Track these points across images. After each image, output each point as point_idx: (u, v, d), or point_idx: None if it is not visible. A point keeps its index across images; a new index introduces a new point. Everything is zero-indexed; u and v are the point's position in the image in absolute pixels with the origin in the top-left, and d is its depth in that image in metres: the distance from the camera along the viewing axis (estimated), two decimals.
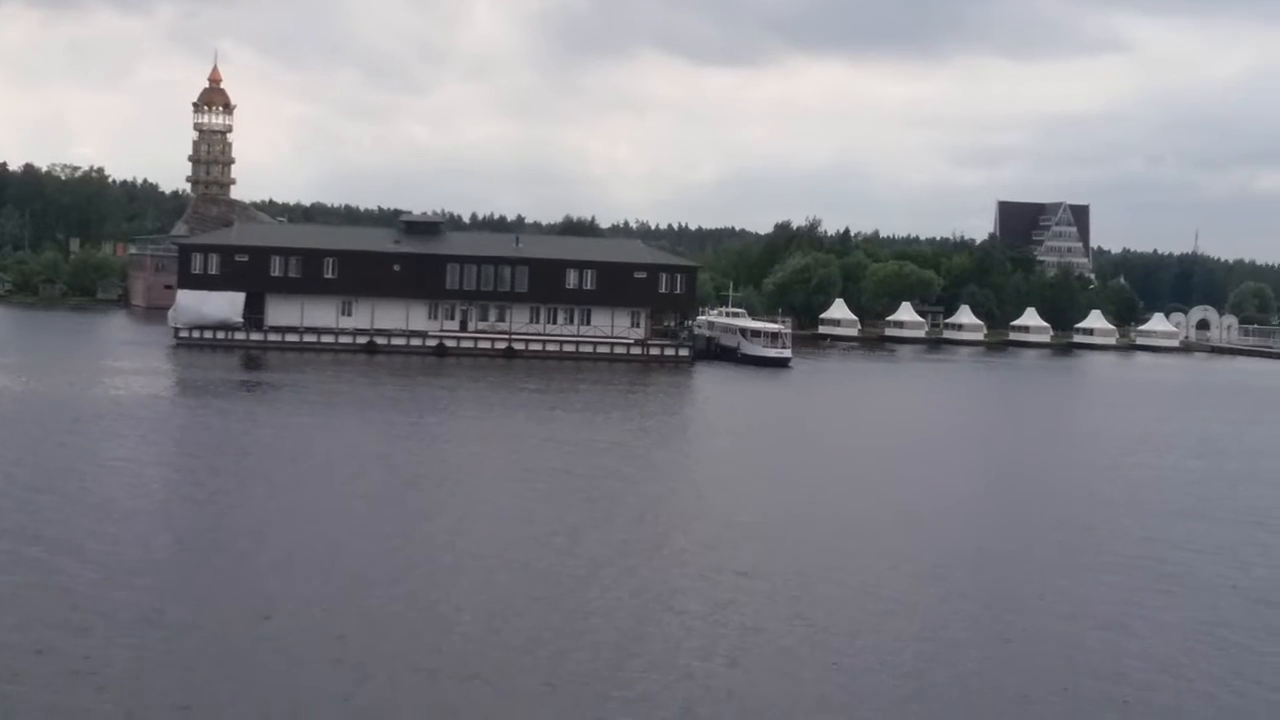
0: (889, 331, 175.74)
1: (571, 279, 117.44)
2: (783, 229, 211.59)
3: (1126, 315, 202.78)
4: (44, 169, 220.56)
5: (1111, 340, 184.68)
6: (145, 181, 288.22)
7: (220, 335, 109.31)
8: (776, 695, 26.53)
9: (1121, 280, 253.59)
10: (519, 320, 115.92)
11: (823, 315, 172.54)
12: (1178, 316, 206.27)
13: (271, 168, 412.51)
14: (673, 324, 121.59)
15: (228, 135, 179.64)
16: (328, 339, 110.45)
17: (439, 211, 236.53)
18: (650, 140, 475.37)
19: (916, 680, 27.93)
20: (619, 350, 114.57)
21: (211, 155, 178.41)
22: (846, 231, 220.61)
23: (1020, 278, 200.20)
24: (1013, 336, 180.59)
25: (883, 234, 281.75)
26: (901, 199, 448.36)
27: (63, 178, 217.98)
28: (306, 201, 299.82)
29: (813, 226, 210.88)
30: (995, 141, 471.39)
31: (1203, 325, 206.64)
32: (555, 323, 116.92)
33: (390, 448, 57.69)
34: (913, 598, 34.80)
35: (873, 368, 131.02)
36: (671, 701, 25.92)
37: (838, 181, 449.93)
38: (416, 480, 49.64)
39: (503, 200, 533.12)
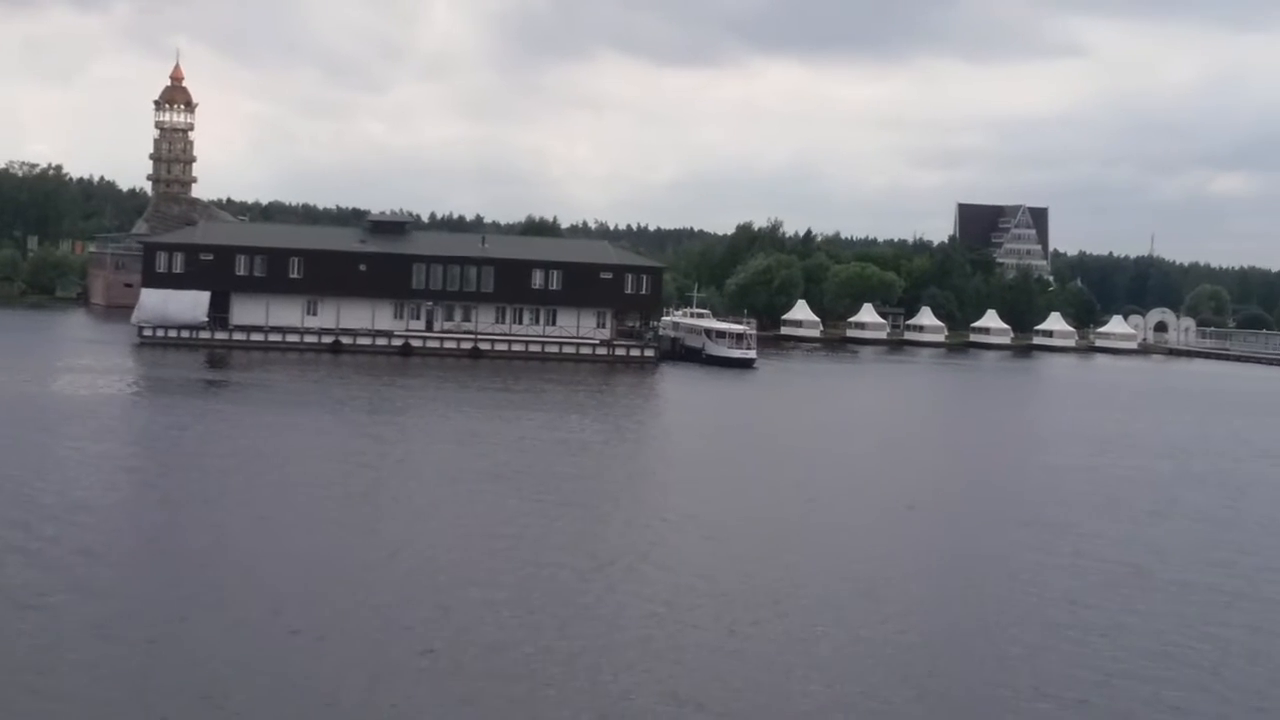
0: (851, 333, 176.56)
1: (537, 279, 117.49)
2: (744, 230, 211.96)
3: (1085, 317, 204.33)
4: (0, 166, 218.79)
5: (1071, 342, 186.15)
6: (102, 179, 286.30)
7: (185, 334, 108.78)
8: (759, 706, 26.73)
9: (1079, 283, 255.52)
10: (485, 320, 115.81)
11: (785, 316, 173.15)
12: (1136, 319, 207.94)
13: (228, 166, 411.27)
14: (637, 324, 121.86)
15: (189, 134, 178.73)
16: (293, 338, 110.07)
17: (398, 210, 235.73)
18: (609, 141, 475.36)
19: (894, 683, 28.17)
20: (584, 351, 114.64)
21: (173, 153, 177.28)
22: (809, 233, 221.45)
23: (980, 280, 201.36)
24: (973, 338, 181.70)
25: (842, 235, 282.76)
26: (860, 200, 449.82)
27: (20, 175, 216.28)
28: (264, 200, 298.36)
29: (774, 228, 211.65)
30: (953, 144, 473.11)
31: (1160, 328, 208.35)
32: (521, 323, 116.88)
33: (353, 448, 57.44)
34: (888, 597, 35.09)
35: (836, 369, 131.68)
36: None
37: (797, 183, 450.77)
38: (378, 481, 49.41)
39: (461, 200, 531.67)
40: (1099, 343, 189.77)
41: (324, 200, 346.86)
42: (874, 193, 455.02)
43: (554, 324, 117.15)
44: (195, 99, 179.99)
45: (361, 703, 25.18)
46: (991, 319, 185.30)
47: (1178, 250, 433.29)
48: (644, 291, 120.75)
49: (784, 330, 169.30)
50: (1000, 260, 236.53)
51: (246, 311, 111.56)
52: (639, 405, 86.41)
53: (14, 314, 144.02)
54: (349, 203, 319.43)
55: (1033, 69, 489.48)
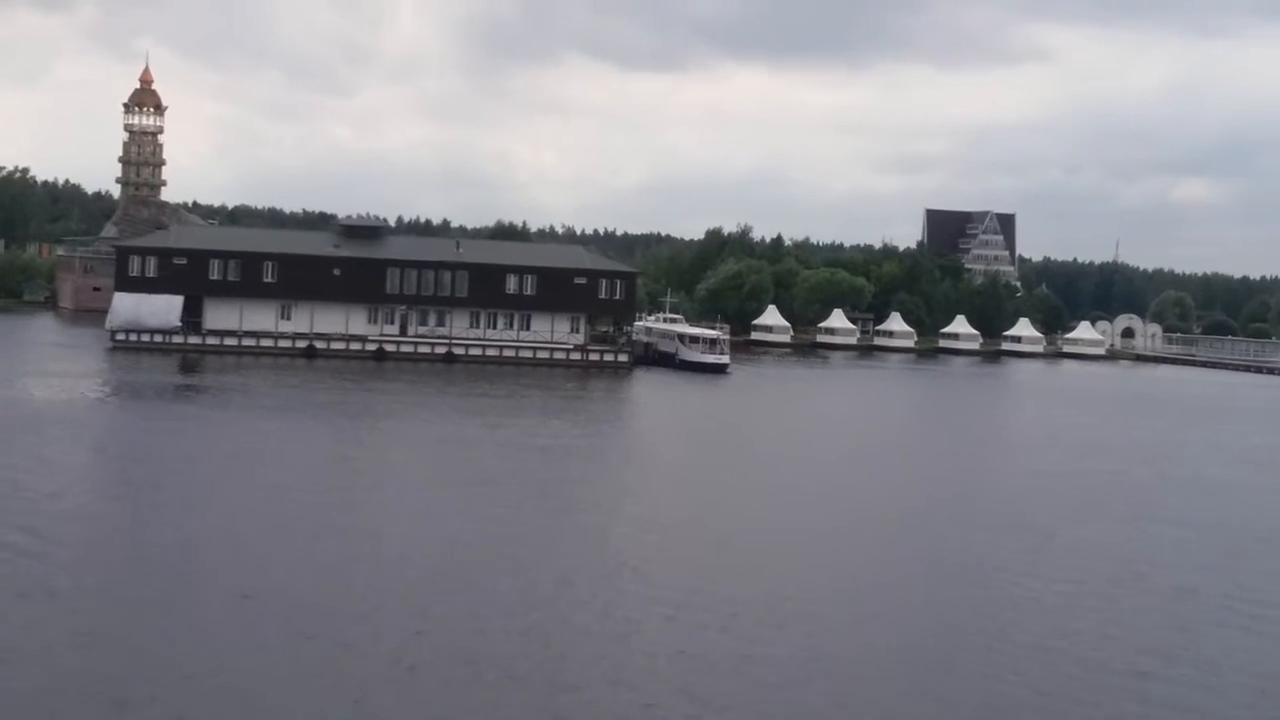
0: (821, 338, 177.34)
1: (511, 284, 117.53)
2: (714, 235, 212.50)
3: (1053, 323, 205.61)
4: None
5: (1039, 348, 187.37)
6: (68, 182, 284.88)
7: (157, 339, 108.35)
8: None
9: (1044, 288, 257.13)
10: (459, 325, 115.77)
11: (755, 322, 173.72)
12: (1103, 325, 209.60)
13: (192, 169, 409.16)
14: (611, 330, 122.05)
15: (158, 136, 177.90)
16: (266, 343, 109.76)
17: (365, 214, 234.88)
18: (576, 145, 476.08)
19: (899, 690, 28.36)
20: (559, 355, 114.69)
21: (142, 156, 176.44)
22: (779, 238, 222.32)
23: (949, 285, 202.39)
24: (943, 344, 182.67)
25: (809, 240, 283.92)
26: (826, 206, 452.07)
27: None
28: (229, 203, 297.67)
29: (744, 233, 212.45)
30: (918, 149, 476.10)
31: (1128, 333, 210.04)
32: (495, 328, 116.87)
33: (336, 453, 57.26)
34: (883, 602, 35.31)
35: (808, 374, 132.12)
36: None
37: (763, 188, 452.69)
38: (361, 486, 49.34)
39: (427, 203, 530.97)
40: (1067, 348, 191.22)
41: (290, 204, 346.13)
42: (840, 198, 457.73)
43: (528, 329, 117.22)
44: (164, 102, 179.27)
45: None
46: (960, 325, 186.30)
47: (1141, 256, 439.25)
48: (618, 296, 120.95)
49: (754, 335, 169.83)
50: (968, 266, 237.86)
51: (220, 316, 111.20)
52: (617, 411, 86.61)
53: None
54: (316, 206, 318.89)
55: (998, 75, 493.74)
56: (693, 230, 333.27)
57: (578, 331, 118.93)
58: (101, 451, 55.20)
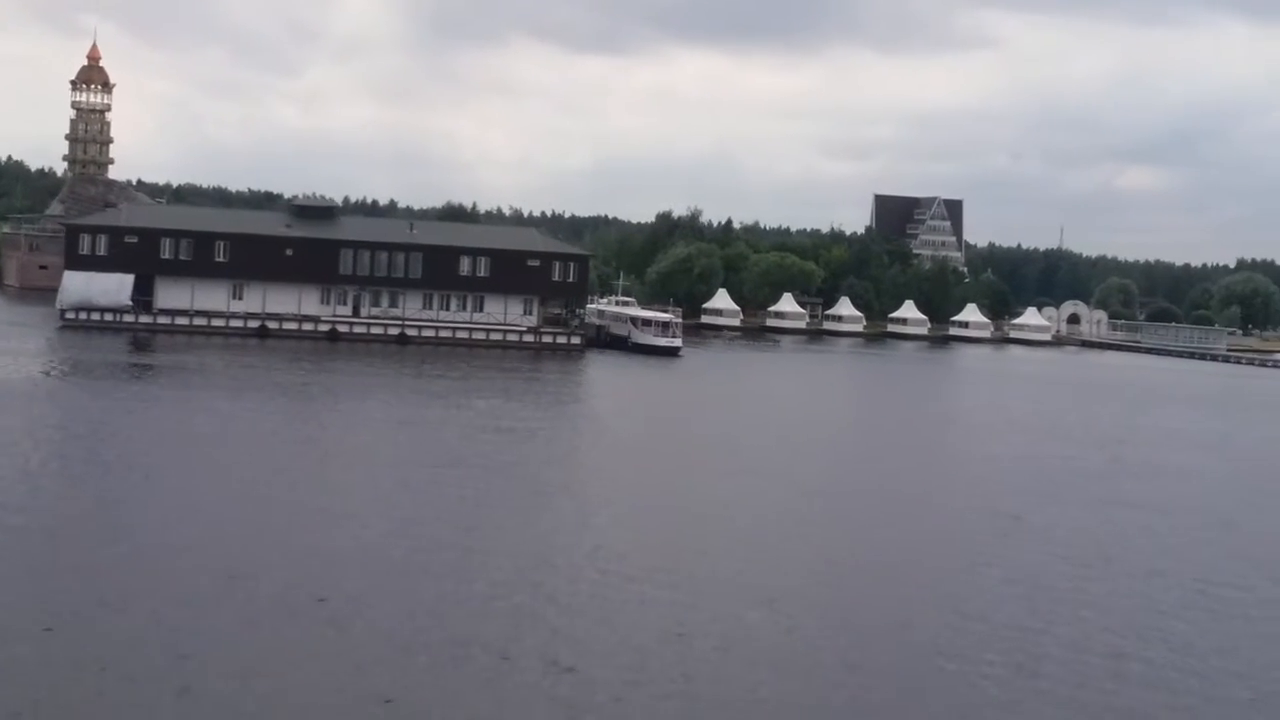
0: (770, 322, 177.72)
1: (465, 266, 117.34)
2: (665, 219, 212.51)
3: (1000, 309, 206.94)
4: None
5: (986, 333, 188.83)
6: (10, 159, 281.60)
7: (108, 318, 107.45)
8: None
9: (990, 274, 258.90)
10: (412, 306, 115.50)
11: (705, 305, 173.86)
12: (1050, 310, 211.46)
13: (135, 146, 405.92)
14: (562, 311, 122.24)
15: (106, 114, 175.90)
16: (218, 322, 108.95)
17: (311, 194, 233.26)
18: (523, 126, 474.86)
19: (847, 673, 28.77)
20: (511, 338, 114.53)
21: (89, 134, 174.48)
22: (728, 222, 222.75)
23: (898, 271, 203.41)
24: (891, 328, 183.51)
25: (751, 223, 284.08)
26: (773, 190, 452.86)
27: None
28: (173, 182, 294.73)
29: (694, 216, 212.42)
30: (865, 134, 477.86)
31: (1074, 320, 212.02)
32: (448, 309, 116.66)
33: (293, 434, 57.12)
34: (848, 585, 35.74)
35: (760, 358, 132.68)
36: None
37: (712, 171, 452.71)
38: (322, 467, 49.50)
39: (373, 183, 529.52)
40: (1014, 334, 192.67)
41: (235, 183, 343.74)
42: (787, 182, 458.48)
43: (481, 310, 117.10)
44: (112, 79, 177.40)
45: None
46: (909, 309, 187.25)
47: (1085, 243, 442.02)
48: (571, 279, 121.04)
49: (704, 319, 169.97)
50: (916, 252, 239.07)
51: (171, 295, 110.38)
52: (574, 393, 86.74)
53: None
54: (261, 185, 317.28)
55: (945, 61, 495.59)
56: (640, 213, 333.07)
57: (530, 314, 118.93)
58: (63, 430, 54.70)
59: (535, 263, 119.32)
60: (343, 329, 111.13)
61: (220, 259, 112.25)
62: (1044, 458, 63.94)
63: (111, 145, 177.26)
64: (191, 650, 26.49)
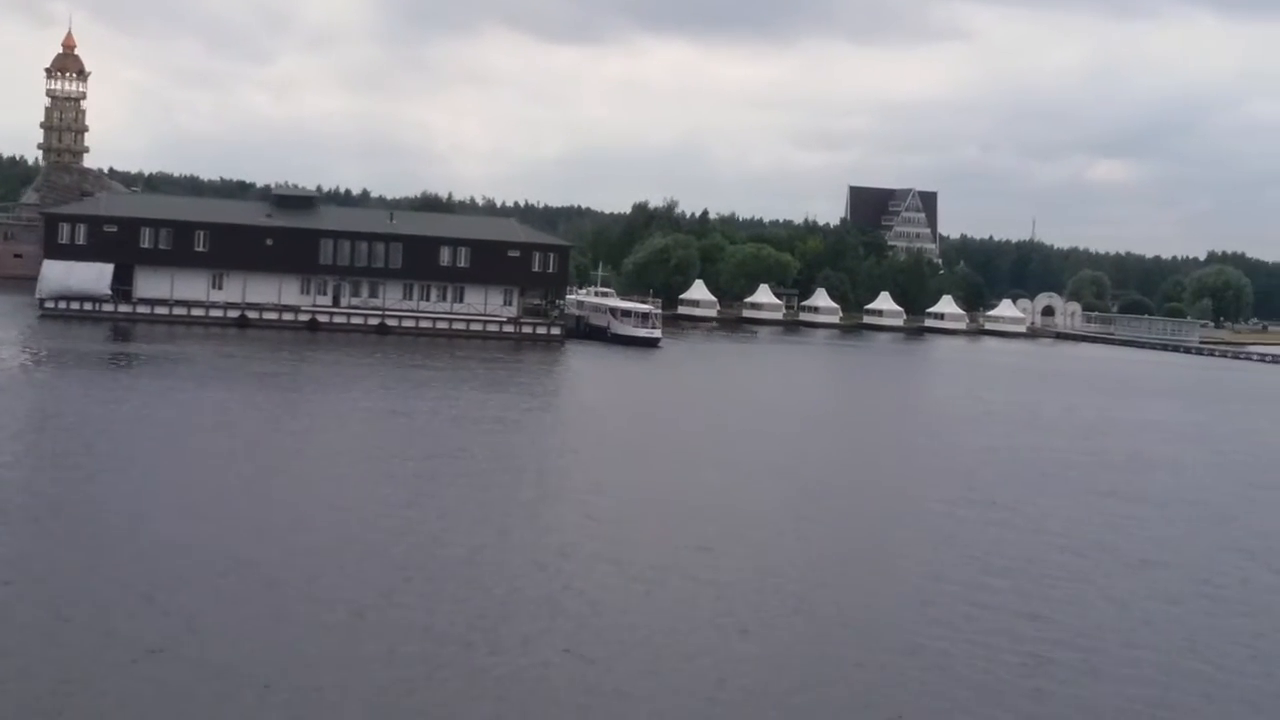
0: (747, 313, 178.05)
1: (445, 256, 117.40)
2: (641, 209, 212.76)
3: (975, 301, 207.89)
4: None
5: (962, 325, 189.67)
6: None
7: (88, 307, 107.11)
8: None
9: (963, 265, 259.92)
10: (392, 296, 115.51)
11: (682, 296, 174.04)
12: (1024, 302, 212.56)
13: (106, 134, 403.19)
14: (541, 302, 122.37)
15: (81, 102, 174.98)
16: (198, 312, 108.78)
17: (283, 183, 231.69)
18: (495, 116, 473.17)
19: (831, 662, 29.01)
20: (491, 328, 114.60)
21: (64, 122, 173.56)
22: (705, 213, 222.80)
23: (873, 262, 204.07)
24: (867, 320, 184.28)
25: (727, 215, 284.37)
26: (746, 180, 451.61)
27: None
28: (145, 170, 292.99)
29: (670, 207, 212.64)
30: (838, 125, 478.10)
31: (1048, 311, 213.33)
32: (428, 299, 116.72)
33: (280, 425, 57.02)
34: (845, 574, 36.01)
35: (738, 349, 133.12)
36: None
37: (684, 162, 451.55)
38: (314, 458, 49.34)
39: (345, 173, 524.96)
40: (989, 325, 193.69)
41: (207, 171, 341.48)
42: (759, 173, 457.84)
43: (461, 301, 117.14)
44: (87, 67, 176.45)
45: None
46: (885, 301, 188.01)
47: (1057, 235, 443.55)
48: (551, 270, 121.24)
49: (681, 310, 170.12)
50: (891, 243, 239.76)
51: (151, 284, 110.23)
52: (558, 384, 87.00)
53: None
54: (233, 174, 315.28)
55: (918, 53, 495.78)
56: (612, 204, 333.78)
57: (510, 304, 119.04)
58: (54, 418, 54.61)
59: (515, 253, 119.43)
60: (323, 319, 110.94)
61: (200, 248, 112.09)
62: (1029, 449, 64.28)
63: (87, 134, 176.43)
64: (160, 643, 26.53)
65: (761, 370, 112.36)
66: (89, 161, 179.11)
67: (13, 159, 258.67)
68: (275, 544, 34.87)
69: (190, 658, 25.49)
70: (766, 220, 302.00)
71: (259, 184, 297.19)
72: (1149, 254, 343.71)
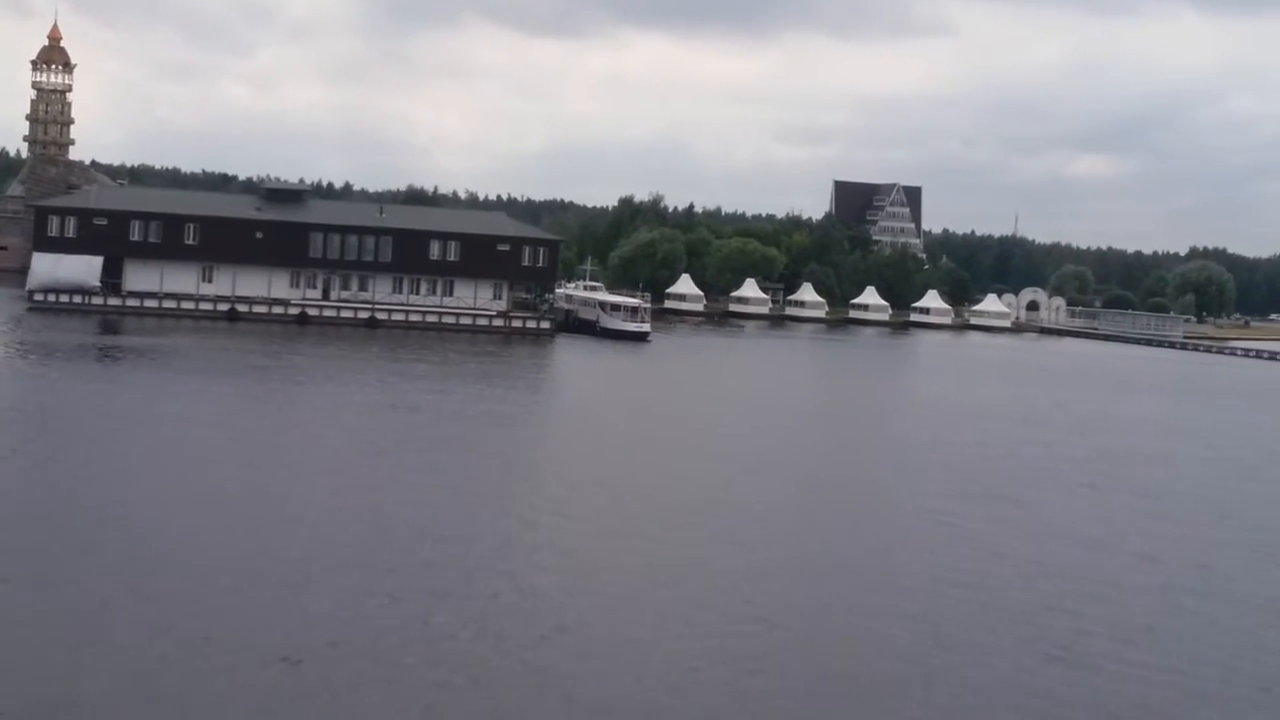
0: (733, 307, 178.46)
1: (435, 250, 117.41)
2: (627, 203, 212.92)
3: (959, 295, 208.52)
4: None
5: (947, 320, 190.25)
6: None
7: (77, 300, 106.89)
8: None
9: (947, 260, 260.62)
10: (382, 290, 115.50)
11: (669, 290, 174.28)
12: (1009, 297, 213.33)
13: (89, 127, 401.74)
14: (532, 296, 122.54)
15: (67, 95, 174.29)
16: (188, 305, 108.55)
17: (265, 176, 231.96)
18: (477, 109, 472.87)
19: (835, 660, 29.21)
20: (481, 322, 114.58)
21: (50, 115, 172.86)
22: (690, 207, 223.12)
23: (858, 257, 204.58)
24: (853, 314, 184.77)
25: (712, 209, 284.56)
26: (728, 175, 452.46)
27: None
28: (127, 162, 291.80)
29: (656, 201, 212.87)
30: (820, 120, 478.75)
31: (1032, 306, 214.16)
32: (418, 293, 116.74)
33: (277, 419, 57.11)
34: (852, 568, 36.21)
35: (726, 343, 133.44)
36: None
37: (667, 156, 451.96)
38: (313, 453, 49.30)
39: (327, 166, 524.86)
40: (974, 320, 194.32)
41: (188, 164, 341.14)
42: (742, 167, 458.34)
43: (451, 295, 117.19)
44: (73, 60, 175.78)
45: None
46: (870, 295, 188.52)
47: (1040, 230, 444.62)
48: (540, 264, 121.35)
49: (668, 304, 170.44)
50: (876, 238, 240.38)
51: (140, 277, 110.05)
52: (550, 378, 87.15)
53: None
54: (214, 167, 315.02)
55: (900, 48, 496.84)
56: (595, 197, 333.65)
57: (500, 298, 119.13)
58: (41, 411, 54.57)
59: (505, 247, 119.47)
60: (312, 312, 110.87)
61: (190, 241, 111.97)
62: (1025, 444, 64.60)
63: (72, 126, 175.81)
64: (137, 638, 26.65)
65: (750, 364, 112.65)
66: (73, 154, 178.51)
67: None
68: (260, 536, 34.87)
69: (167, 654, 25.45)
70: (750, 214, 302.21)
71: (241, 177, 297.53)
72: (1131, 249, 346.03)
